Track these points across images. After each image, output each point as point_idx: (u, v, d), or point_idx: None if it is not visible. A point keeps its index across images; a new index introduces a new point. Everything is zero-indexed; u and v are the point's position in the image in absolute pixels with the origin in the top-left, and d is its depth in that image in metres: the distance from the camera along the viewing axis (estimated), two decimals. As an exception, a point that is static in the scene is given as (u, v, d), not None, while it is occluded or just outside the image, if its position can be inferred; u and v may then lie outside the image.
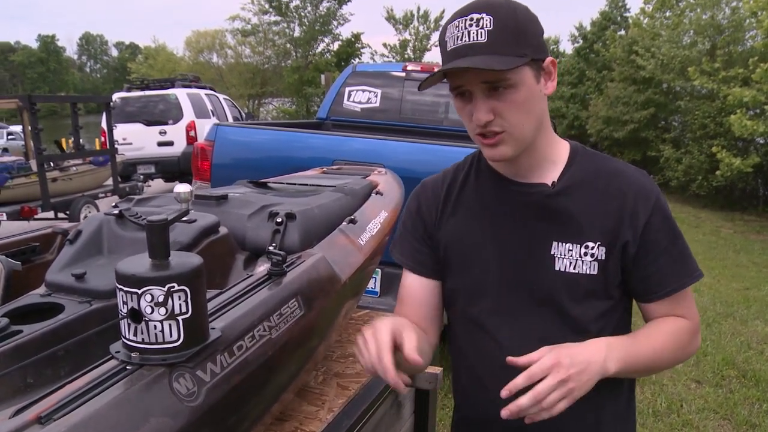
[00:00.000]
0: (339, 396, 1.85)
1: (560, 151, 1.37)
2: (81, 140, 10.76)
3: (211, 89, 14.62)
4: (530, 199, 1.33)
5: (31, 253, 1.84)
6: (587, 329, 1.30)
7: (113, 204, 1.80)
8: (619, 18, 25.68)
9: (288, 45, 29.45)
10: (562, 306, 1.31)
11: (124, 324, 1.03)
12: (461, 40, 1.20)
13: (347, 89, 6.38)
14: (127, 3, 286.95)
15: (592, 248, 1.29)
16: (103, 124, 11.52)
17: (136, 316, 1.01)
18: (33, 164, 9.27)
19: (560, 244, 1.30)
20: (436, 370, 2.19)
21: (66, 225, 1.97)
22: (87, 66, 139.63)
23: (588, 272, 1.29)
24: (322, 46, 29.57)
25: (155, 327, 1.01)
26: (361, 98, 6.28)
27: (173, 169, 12.63)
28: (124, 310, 1.02)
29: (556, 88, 1.31)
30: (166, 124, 12.63)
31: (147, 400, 0.98)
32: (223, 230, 1.72)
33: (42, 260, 1.84)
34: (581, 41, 27.03)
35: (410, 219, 1.50)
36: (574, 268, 1.29)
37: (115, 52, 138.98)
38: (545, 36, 1.31)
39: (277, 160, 4.46)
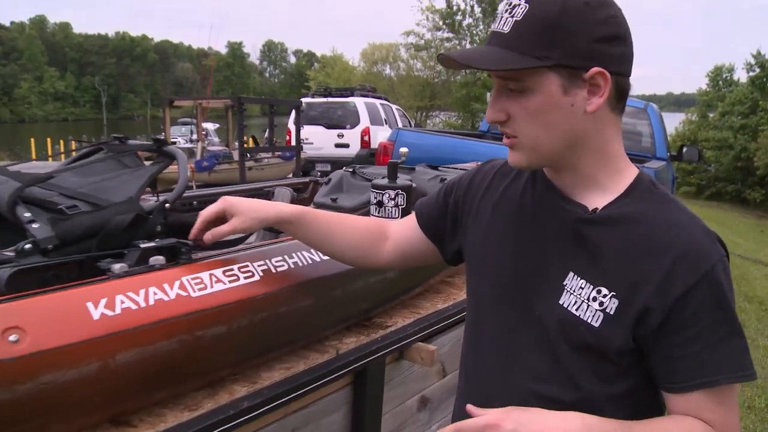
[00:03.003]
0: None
1: (619, 180, 1.13)
2: (272, 137, 12.46)
3: (385, 99, 16.04)
4: (565, 217, 1.14)
5: (296, 191, 3.04)
6: (579, 385, 1.11)
7: (349, 167, 2.97)
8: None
9: (458, 61, 30.51)
10: (556, 347, 1.12)
11: (373, 208, 2.15)
12: (495, 23, 1.08)
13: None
14: (310, 14, 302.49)
15: (604, 296, 1.06)
16: (289, 125, 13.21)
17: (380, 204, 2.12)
18: (234, 154, 11.00)
19: (576, 277, 1.11)
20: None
21: (318, 178, 3.20)
22: (267, 71, 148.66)
23: (589, 321, 1.07)
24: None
25: (388, 210, 2.13)
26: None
27: (347, 169, 14.08)
28: (374, 202, 2.13)
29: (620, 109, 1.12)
30: (344, 128, 14.09)
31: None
32: (414, 185, 2.83)
33: (301, 197, 3.05)
34: (758, 70, 25.94)
35: (452, 182, 1.44)
36: (576, 310, 1.09)
37: (293, 59, 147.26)
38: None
39: (442, 161, 5.58)
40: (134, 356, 1.38)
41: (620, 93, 1.10)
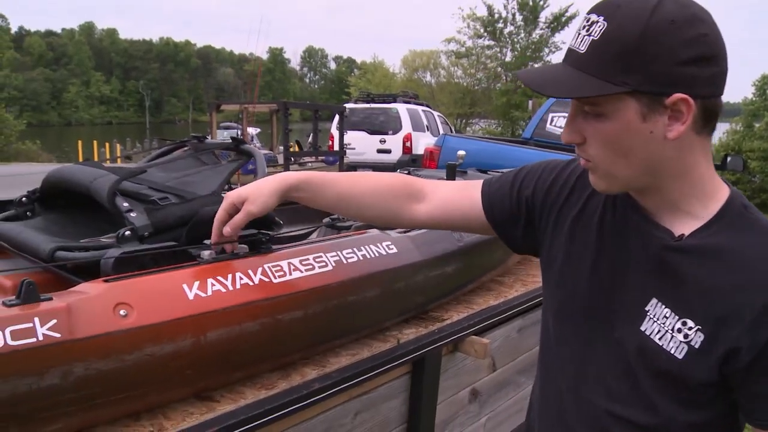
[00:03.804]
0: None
1: (708, 204, 1.06)
2: (313, 142, 12.63)
3: (427, 106, 16.13)
4: (651, 241, 1.08)
5: None
6: (658, 410, 1.08)
7: (405, 169, 3.08)
8: None
9: (499, 69, 30.45)
10: (636, 372, 1.09)
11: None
12: (572, 40, 1.02)
13: (550, 115, 7.49)
14: (349, 21, 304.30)
15: (689, 328, 1.02)
16: (332, 130, 13.38)
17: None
18: (279, 158, 11.18)
19: (659, 304, 1.06)
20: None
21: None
22: (307, 77, 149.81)
23: (672, 352, 1.03)
24: (531, 71, 30.22)
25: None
26: (562, 124, 7.32)
27: (389, 175, 14.19)
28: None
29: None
30: (386, 134, 14.20)
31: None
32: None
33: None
34: None
35: (530, 178, 1.32)
36: (659, 339, 1.05)
37: (333, 65, 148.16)
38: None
39: (487, 166, 5.69)
40: (222, 335, 1.51)
41: (708, 115, 1.00)
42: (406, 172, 2.97)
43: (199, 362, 1.51)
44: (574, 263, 1.20)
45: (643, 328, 1.08)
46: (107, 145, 26.93)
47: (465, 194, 1.42)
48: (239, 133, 14.23)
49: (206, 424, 1.49)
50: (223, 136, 21.91)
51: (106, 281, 1.41)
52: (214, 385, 1.64)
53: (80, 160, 25.18)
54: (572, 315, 1.21)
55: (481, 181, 1.41)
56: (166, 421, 1.52)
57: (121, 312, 1.35)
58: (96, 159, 25.54)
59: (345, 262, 1.80)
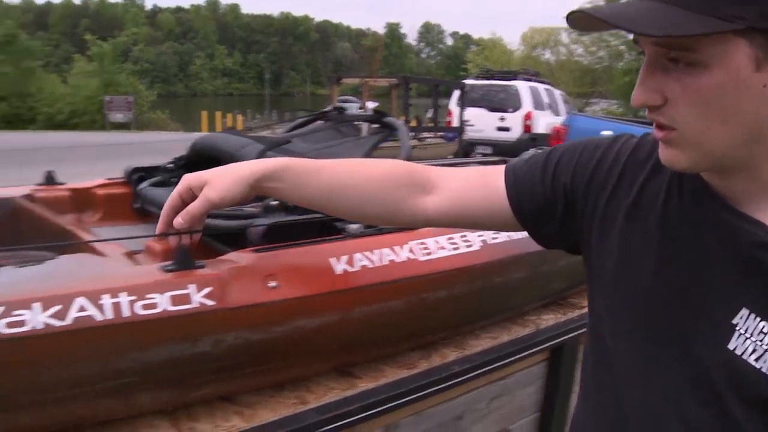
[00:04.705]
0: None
1: None
2: (432, 117, 12.57)
3: (549, 84, 15.71)
4: (734, 237, 0.84)
5: None
6: None
7: (538, 148, 2.97)
8: None
9: (621, 47, 29.47)
10: (723, 398, 0.84)
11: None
12: None
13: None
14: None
15: None
16: (450, 106, 13.24)
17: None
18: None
19: (753, 317, 0.82)
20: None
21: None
22: (423, 52, 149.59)
23: None
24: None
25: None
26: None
27: (508, 153, 13.91)
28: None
29: None
30: (505, 111, 13.94)
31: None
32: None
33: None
34: None
35: (567, 160, 1.02)
36: (755, 360, 0.80)
37: (449, 41, 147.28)
38: None
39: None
40: (367, 311, 1.48)
41: None
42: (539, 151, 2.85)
43: (344, 337, 1.49)
44: (632, 265, 0.94)
45: (731, 347, 0.83)
46: (229, 117, 27.81)
47: (483, 183, 1.12)
48: (359, 107, 14.36)
49: (348, 400, 1.46)
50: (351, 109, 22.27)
51: (255, 251, 1.40)
52: (356, 361, 1.62)
53: (204, 130, 26.19)
54: (634, 329, 0.94)
55: (503, 168, 1.10)
56: (309, 394, 1.51)
57: (271, 283, 1.34)
58: (218, 129, 26.49)
59: (491, 242, 1.73)
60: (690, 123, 0.78)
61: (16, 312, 1.11)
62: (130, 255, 1.58)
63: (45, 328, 1.12)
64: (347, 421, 1.45)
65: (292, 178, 1.15)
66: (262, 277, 1.34)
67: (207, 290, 1.25)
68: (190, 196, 1.17)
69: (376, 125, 2.31)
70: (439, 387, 1.61)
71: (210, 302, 1.25)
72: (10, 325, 1.09)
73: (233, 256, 1.39)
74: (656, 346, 0.90)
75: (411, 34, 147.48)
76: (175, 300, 1.22)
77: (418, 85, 18.27)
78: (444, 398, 1.69)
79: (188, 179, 1.18)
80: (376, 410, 1.47)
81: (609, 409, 0.97)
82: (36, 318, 1.11)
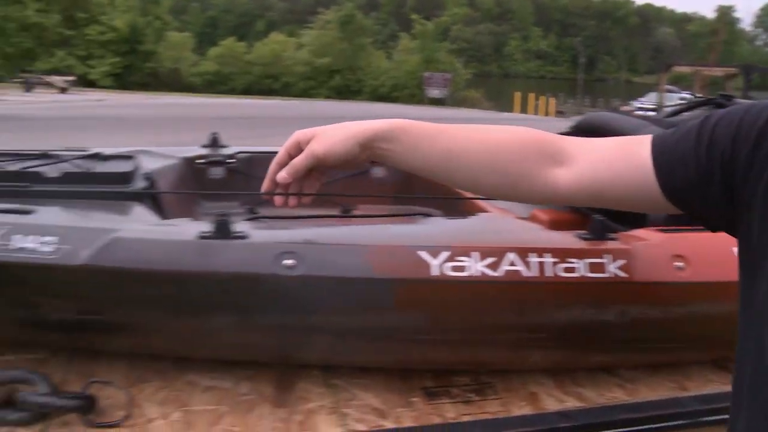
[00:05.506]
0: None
1: None
2: None
3: None
4: None
5: None
6: None
7: None
8: None
9: None
10: None
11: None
12: None
13: None
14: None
15: None
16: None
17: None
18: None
19: None
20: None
21: None
22: (759, 39, 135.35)
23: None
24: None
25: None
26: None
27: None
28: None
29: None
30: None
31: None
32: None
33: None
34: None
35: (725, 127, 0.81)
36: None
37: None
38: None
39: None
40: None
41: None
42: None
43: (728, 331, 1.46)
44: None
45: None
46: (542, 99, 27.80)
47: (625, 154, 0.94)
48: (684, 98, 13.49)
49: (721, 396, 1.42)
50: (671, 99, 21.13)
51: (663, 231, 1.42)
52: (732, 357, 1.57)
53: (516, 111, 26.48)
54: None
55: (647, 138, 0.92)
56: (688, 381, 1.52)
57: (678, 264, 1.35)
58: (530, 112, 26.61)
59: None
60: None
61: (460, 258, 1.26)
62: (522, 219, 1.68)
63: (480, 276, 1.25)
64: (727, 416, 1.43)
65: (408, 140, 1.05)
66: (669, 256, 1.36)
67: (620, 262, 1.31)
68: (298, 151, 1.10)
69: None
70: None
71: (622, 274, 1.31)
72: (455, 269, 1.25)
73: (640, 233, 1.43)
74: None
75: (747, 18, 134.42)
76: (593, 267, 1.29)
77: (759, 76, 16.69)
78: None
79: (298, 134, 1.12)
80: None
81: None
82: (475, 266, 1.26)
